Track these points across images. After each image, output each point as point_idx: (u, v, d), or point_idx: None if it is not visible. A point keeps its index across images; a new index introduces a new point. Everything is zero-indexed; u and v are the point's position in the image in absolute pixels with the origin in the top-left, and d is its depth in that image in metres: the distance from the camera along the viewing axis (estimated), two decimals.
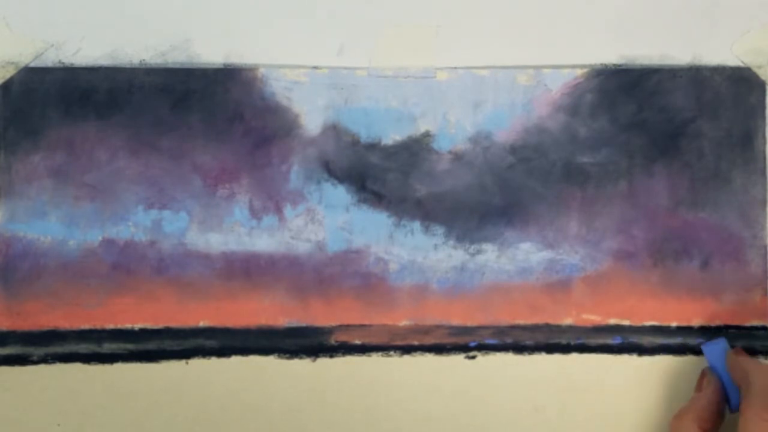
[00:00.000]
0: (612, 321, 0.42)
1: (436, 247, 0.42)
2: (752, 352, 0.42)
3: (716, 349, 0.41)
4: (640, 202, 0.42)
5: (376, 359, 0.42)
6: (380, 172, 0.42)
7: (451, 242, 0.42)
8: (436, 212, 0.42)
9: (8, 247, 0.41)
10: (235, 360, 0.42)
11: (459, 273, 0.42)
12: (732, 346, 0.41)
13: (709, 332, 0.42)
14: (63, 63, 0.42)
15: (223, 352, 0.42)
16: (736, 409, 0.39)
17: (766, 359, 0.42)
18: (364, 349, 0.42)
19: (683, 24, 0.43)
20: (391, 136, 0.42)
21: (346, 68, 0.42)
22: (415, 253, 0.42)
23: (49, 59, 0.42)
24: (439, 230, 0.42)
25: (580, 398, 0.42)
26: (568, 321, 0.42)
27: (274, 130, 0.42)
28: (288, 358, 0.42)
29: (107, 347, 0.42)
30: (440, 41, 0.43)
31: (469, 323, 0.42)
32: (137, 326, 0.42)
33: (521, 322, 0.42)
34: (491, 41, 0.43)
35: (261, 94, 0.42)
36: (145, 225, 0.42)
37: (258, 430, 0.42)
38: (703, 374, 0.41)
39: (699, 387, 0.40)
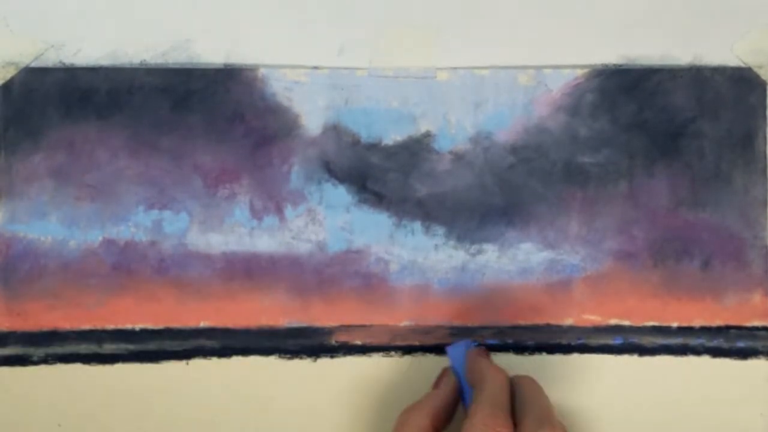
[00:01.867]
0: (613, 321, 0.42)
1: (436, 247, 0.42)
2: (753, 352, 0.42)
3: (459, 349, 0.40)
4: (641, 202, 0.42)
5: (376, 359, 0.42)
6: (381, 173, 0.42)
7: (452, 242, 0.42)
8: (436, 212, 0.42)
9: (8, 248, 0.41)
10: (236, 360, 0.42)
11: (460, 273, 0.42)
12: (481, 346, 0.40)
13: (709, 332, 0.42)
14: (63, 63, 0.42)
15: (223, 352, 0.42)
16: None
17: (766, 360, 0.42)
18: (364, 350, 0.42)
19: (684, 24, 0.43)
20: (392, 136, 0.42)
21: (346, 68, 0.42)
22: (415, 254, 0.42)
23: (50, 60, 0.42)
24: (440, 230, 0.42)
25: (580, 398, 0.42)
26: (568, 321, 0.42)
27: (274, 130, 0.42)
28: (288, 359, 0.42)
29: (107, 347, 0.42)
30: (440, 41, 0.43)
31: (470, 323, 0.42)
32: (137, 326, 0.42)
33: (522, 322, 0.42)
34: (491, 41, 0.43)
35: (261, 95, 0.42)
36: (146, 225, 0.42)
37: (258, 430, 0.42)
38: (443, 373, 0.40)
39: (437, 384, 0.39)
